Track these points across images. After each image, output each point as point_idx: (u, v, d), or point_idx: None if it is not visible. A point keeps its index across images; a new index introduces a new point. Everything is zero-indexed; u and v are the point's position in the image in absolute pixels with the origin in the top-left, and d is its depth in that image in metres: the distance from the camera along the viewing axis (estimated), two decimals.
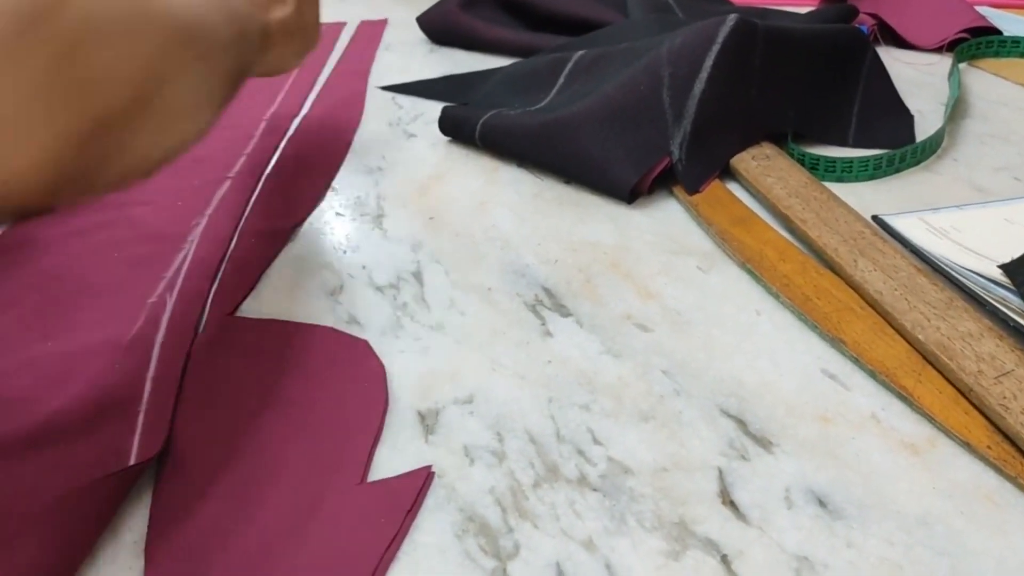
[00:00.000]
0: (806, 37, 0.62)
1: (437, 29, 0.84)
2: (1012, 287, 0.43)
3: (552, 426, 0.38)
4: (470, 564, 0.32)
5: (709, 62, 0.56)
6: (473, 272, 0.49)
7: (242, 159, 0.63)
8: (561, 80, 0.64)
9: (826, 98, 0.63)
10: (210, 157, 0.64)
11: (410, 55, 0.82)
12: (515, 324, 0.45)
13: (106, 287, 0.48)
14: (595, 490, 0.35)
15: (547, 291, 0.47)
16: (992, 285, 0.43)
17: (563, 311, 0.46)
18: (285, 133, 0.68)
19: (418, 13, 0.86)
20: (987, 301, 0.42)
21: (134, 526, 0.34)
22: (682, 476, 0.36)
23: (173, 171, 0.62)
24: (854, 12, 0.82)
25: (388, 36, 0.86)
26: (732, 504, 0.34)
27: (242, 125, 0.69)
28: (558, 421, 0.39)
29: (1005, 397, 0.36)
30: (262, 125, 0.69)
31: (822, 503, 0.34)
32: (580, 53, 0.65)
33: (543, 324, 0.45)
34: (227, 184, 0.60)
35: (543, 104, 0.62)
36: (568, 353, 0.43)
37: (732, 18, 0.57)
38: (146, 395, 0.39)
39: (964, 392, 0.38)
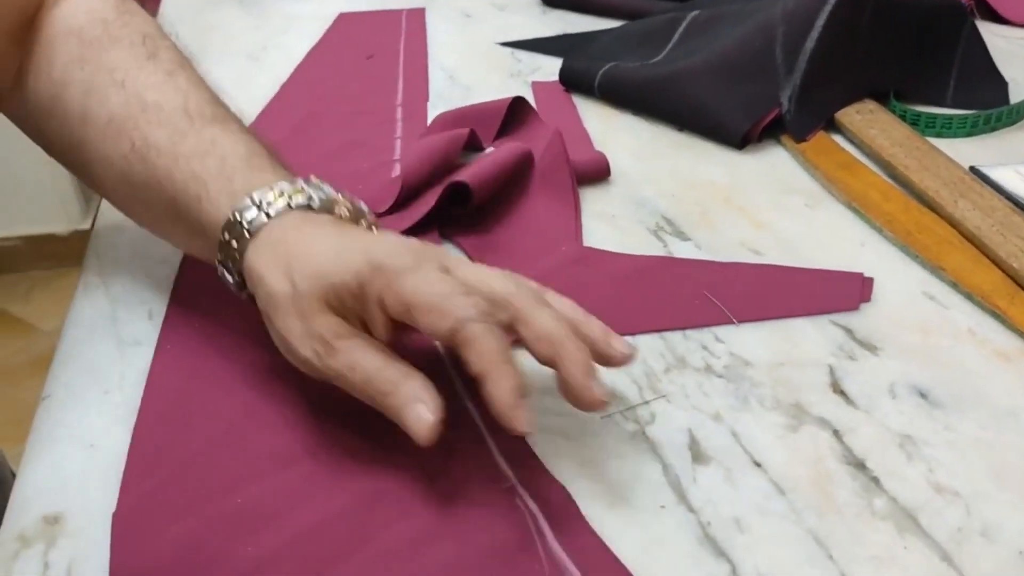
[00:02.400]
0: (910, 4, 0.66)
1: None
2: None
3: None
4: (614, 426, 0.38)
5: (821, 21, 0.60)
6: (598, 202, 0.55)
7: (398, 142, 0.65)
8: (676, 37, 0.69)
9: (927, 61, 0.66)
10: (365, 142, 0.65)
11: (524, 16, 0.87)
12: (639, 245, 0.50)
13: None
14: (719, 376, 0.40)
15: (667, 220, 0.52)
16: None
17: (682, 236, 0.51)
18: (426, 118, 0.67)
19: None
20: None
21: None
22: (796, 370, 0.41)
23: (334, 156, 0.62)
24: None
25: None
26: (842, 393, 0.39)
27: (377, 111, 0.69)
28: None
29: None
30: (399, 111, 0.70)
31: (923, 395, 0.39)
32: (694, 13, 0.70)
33: (665, 246, 0.50)
34: (397, 167, 0.61)
35: (659, 58, 0.67)
36: None
37: None
38: None
39: None
